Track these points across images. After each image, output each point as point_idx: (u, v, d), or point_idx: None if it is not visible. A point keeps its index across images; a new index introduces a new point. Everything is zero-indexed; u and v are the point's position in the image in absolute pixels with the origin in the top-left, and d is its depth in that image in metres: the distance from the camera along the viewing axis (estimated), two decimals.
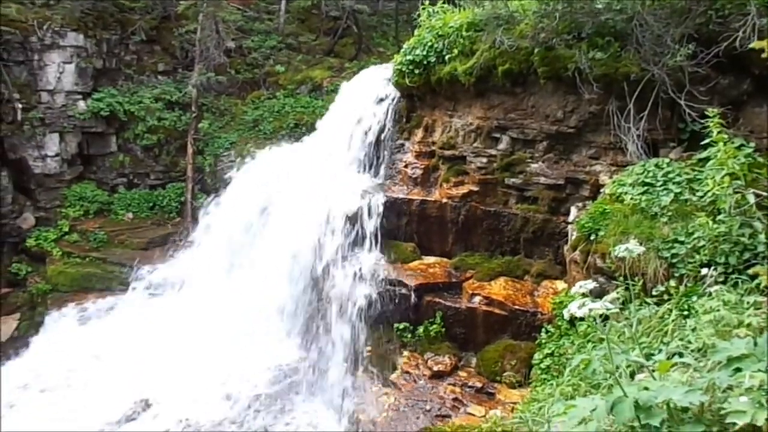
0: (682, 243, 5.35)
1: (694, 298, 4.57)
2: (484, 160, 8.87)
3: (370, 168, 10.40)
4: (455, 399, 7.60)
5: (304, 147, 11.97)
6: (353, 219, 9.39)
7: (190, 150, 14.01)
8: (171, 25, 15.12)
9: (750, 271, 4.51)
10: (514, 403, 6.78)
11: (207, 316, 10.31)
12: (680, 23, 6.59)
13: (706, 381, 2.24)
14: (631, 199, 6.24)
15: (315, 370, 9.23)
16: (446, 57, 9.05)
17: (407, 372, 8.15)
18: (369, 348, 8.69)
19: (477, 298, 8.23)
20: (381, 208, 9.38)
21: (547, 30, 7.52)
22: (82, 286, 12.15)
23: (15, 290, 12.25)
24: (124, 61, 14.43)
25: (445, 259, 9.23)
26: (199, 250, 12.09)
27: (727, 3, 6.37)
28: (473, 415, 7.25)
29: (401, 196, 9.51)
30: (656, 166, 6.41)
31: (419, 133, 10.01)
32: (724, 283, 4.65)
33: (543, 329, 7.02)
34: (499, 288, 8.27)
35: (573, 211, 7.61)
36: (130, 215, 13.78)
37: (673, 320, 4.25)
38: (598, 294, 4.26)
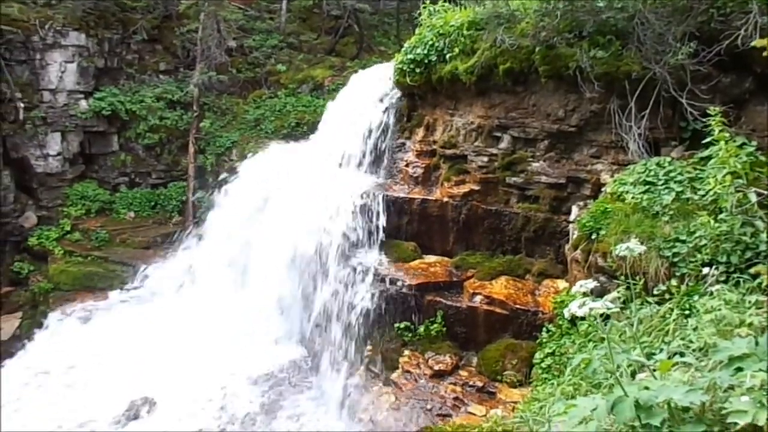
0: (683, 242, 5.33)
1: (696, 298, 4.55)
2: (485, 159, 8.86)
3: (371, 167, 10.40)
4: (456, 398, 7.58)
5: (304, 146, 11.98)
6: (354, 218, 9.39)
7: (191, 149, 14.03)
8: (172, 25, 15.15)
9: (752, 270, 4.49)
10: (515, 402, 6.77)
11: (208, 315, 10.34)
12: (682, 21, 6.57)
13: (708, 380, 2.23)
14: (633, 198, 6.21)
15: (315, 370, 9.25)
16: (447, 56, 9.05)
17: (408, 371, 8.13)
18: (370, 347, 8.67)
19: (478, 298, 8.21)
20: (382, 207, 9.38)
21: (548, 29, 7.50)
22: (83, 285, 12.16)
23: (17, 289, 12.28)
24: (126, 61, 14.45)
25: (446, 259, 9.22)
26: (200, 249, 12.14)
27: (728, 1, 6.34)
28: (474, 414, 7.23)
29: (402, 195, 9.50)
30: (658, 164, 6.39)
31: (420, 132, 10.00)
32: (725, 282, 4.64)
33: (544, 328, 6.99)
34: (500, 287, 8.25)
35: (574, 210, 7.60)
36: (132, 214, 13.82)
37: (674, 319, 4.24)
38: (599, 293, 4.26)
